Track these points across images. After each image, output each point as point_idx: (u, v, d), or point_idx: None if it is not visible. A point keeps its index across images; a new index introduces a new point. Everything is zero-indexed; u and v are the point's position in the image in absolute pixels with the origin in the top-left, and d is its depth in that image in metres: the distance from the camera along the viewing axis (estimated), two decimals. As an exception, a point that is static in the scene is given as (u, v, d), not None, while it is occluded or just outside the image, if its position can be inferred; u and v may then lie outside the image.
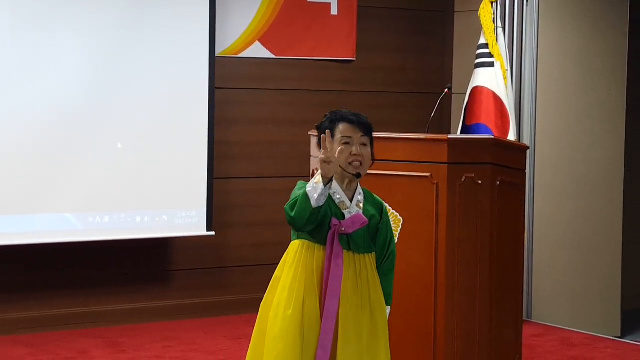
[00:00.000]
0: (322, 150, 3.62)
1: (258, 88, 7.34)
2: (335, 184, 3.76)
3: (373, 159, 3.83)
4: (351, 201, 3.79)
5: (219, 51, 7.05)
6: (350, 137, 3.75)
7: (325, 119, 3.86)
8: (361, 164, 3.75)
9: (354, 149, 3.74)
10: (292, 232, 3.85)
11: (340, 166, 3.72)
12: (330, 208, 3.74)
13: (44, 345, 6.25)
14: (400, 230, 5.05)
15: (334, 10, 7.51)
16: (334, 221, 3.74)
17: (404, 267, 5.03)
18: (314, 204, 3.63)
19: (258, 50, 7.28)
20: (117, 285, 6.89)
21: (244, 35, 7.22)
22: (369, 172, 5.05)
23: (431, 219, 4.99)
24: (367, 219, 3.79)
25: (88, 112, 6.51)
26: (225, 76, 7.14)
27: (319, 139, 3.76)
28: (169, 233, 6.85)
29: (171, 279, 7.12)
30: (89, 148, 6.52)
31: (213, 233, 6.96)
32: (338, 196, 3.77)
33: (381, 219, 3.88)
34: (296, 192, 3.73)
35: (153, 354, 6.11)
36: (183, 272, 7.15)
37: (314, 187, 3.63)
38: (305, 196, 3.63)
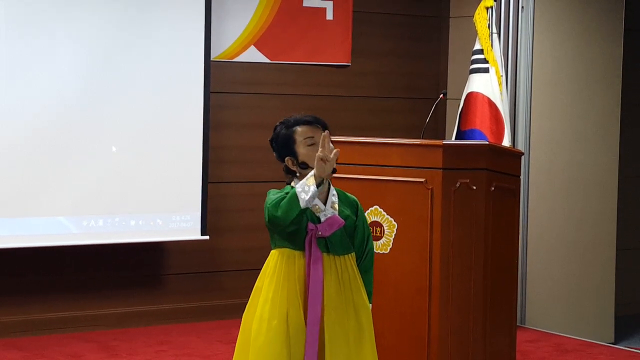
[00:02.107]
0: (320, 149, 3.59)
1: (253, 92, 7.34)
2: None
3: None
4: (325, 203, 3.76)
5: (214, 55, 7.05)
6: (312, 136, 3.73)
7: (277, 129, 3.82)
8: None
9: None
10: (271, 241, 3.82)
11: (312, 168, 3.66)
12: (306, 213, 3.71)
13: (38, 349, 6.25)
14: (395, 235, 5.05)
15: (329, 15, 7.51)
16: (310, 226, 3.72)
17: (398, 272, 5.04)
18: (302, 204, 3.59)
19: (253, 55, 7.28)
20: (111, 289, 6.89)
21: (239, 40, 7.23)
22: (364, 177, 5.08)
23: (426, 225, 4.99)
24: (343, 221, 3.77)
25: (83, 116, 6.51)
26: (220, 80, 7.14)
27: (278, 154, 3.77)
28: (163, 237, 6.84)
29: (165, 282, 7.11)
30: (84, 151, 6.51)
31: (207, 237, 6.96)
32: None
33: (357, 217, 3.86)
34: (272, 198, 3.69)
35: (146, 358, 6.10)
36: (177, 276, 7.14)
37: (305, 188, 3.60)
38: (294, 196, 3.59)
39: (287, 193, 3.67)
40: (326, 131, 3.65)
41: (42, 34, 6.38)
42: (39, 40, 6.37)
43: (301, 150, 3.74)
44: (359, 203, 3.91)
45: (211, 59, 6.96)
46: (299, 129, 3.77)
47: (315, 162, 3.59)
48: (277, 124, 3.86)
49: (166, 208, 6.78)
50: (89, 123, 6.53)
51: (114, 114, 6.60)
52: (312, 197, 3.60)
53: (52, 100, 6.42)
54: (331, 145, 3.68)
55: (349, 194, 3.92)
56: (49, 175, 6.43)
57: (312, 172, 3.62)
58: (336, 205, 3.79)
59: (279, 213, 3.62)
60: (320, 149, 3.59)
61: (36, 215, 6.40)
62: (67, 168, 6.47)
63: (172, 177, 6.78)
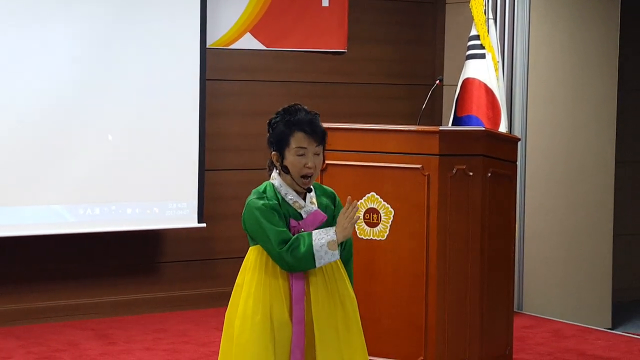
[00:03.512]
0: (348, 216, 3.64)
1: (249, 79, 7.33)
2: (285, 186, 3.75)
3: (324, 162, 3.82)
4: (304, 199, 3.77)
5: (210, 42, 7.03)
6: (305, 147, 3.70)
7: (279, 117, 3.78)
8: (311, 177, 3.73)
9: (309, 162, 3.70)
10: (249, 239, 3.80)
11: (292, 176, 3.72)
12: (288, 211, 3.71)
13: (34, 337, 6.24)
14: (392, 222, 5.05)
15: (325, 2, 7.49)
16: (293, 222, 3.71)
17: (395, 259, 5.04)
18: (317, 265, 3.65)
19: (249, 42, 7.26)
20: (107, 277, 6.88)
21: (235, 27, 7.21)
22: (360, 164, 5.07)
23: (422, 211, 4.99)
24: (325, 215, 3.77)
25: (79, 104, 6.49)
26: (217, 68, 7.13)
27: (269, 142, 3.78)
28: (159, 225, 6.83)
29: (162, 270, 7.11)
30: (80, 140, 6.50)
31: (204, 225, 6.95)
32: (291, 197, 3.74)
33: (335, 207, 3.86)
34: (261, 206, 3.67)
35: (144, 346, 6.10)
36: (174, 263, 7.14)
37: (325, 250, 3.63)
38: (312, 256, 3.62)
39: (272, 207, 3.68)
40: (355, 201, 3.67)
41: (39, 22, 6.35)
42: (33, 28, 6.34)
43: (290, 156, 3.72)
44: (336, 195, 3.91)
45: (207, 47, 6.94)
46: (296, 134, 3.72)
47: (342, 228, 3.64)
48: (282, 110, 3.80)
49: (163, 196, 6.77)
50: (84, 111, 6.51)
51: (110, 102, 6.58)
52: (329, 261, 3.66)
53: (47, 89, 6.40)
54: (312, 159, 3.71)
55: (325, 187, 3.92)
56: (45, 164, 6.41)
57: (333, 234, 3.64)
58: (314, 199, 3.79)
59: (290, 260, 3.64)
60: (348, 216, 3.64)
61: (32, 204, 6.39)
62: (63, 156, 6.46)
63: (169, 164, 6.77)
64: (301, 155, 3.70)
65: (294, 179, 3.73)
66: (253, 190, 3.77)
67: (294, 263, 3.64)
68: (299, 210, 3.74)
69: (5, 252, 6.55)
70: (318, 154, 3.74)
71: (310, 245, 3.63)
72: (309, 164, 3.70)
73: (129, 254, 6.97)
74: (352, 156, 5.13)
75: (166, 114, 6.75)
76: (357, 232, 5.10)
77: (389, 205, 5.06)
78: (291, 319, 3.67)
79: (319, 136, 3.74)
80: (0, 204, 6.32)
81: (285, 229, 3.67)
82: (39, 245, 6.61)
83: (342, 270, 3.81)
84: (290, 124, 3.74)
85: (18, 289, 6.61)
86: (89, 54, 6.51)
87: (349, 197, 3.70)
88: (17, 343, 6.11)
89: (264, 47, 7.32)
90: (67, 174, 6.47)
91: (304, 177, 3.71)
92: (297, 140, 3.71)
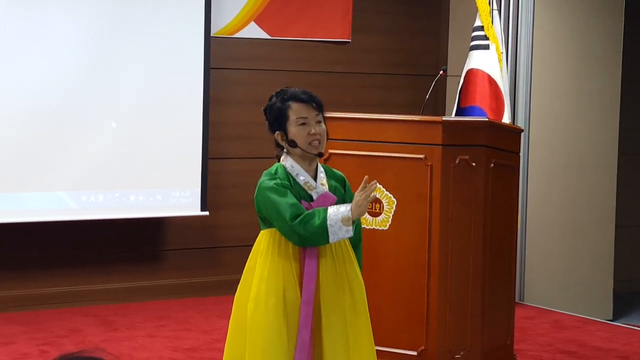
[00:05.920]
0: (365, 194, 3.62)
1: (253, 68, 7.33)
2: (297, 166, 3.76)
3: (327, 135, 3.82)
4: (315, 180, 3.78)
5: (214, 31, 7.03)
6: (305, 117, 3.74)
7: (273, 100, 3.82)
8: (320, 142, 3.75)
9: (312, 129, 3.73)
10: (261, 222, 3.80)
11: (300, 147, 3.73)
12: (299, 193, 3.73)
13: (37, 324, 6.26)
14: (394, 212, 5.05)
15: (330, -9, 7.49)
16: (304, 204, 3.72)
17: (397, 249, 5.05)
18: (330, 240, 3.65)
19: (253, 31, 7.27)
20: (110, 264, 6.90)
21: (239, 16, 7.21)
22: (363, 153, 5.07)
23: (425, 201, 5.00)
24: (335, 197, 3.78)
25: (83, 91, 6.50)
26: (221, 56, 7.13)
27: (270, 126, 3.78)
28: (163, 212, 6.85)
29: (165, 258, 7.12)
30: (84, 127, 6.51)
31: (207, 213, 6.96)
32: (302, 177, 3.76)
33: (345, 190, 3.88)
34: (272, 185, 3.68)
35: (146, 333, 6.12)
36: (177, 251, 7.15)
37: (339, 226, 3.63)
38: (325, 230, 3.62)
39: (284, 186, 3.68)
40: (375, 182, 3.66)
41: (43, 8, 6.36)
42: (38, 16, 6.35)
43: (292, 129, 3.75)
44: (346, 179, 3.93)
45: (211, 35, 6.95)
46: (293, 106, 3.76)
47: (357, 206, 3.63)
48: (274, 93, 3.86)
49: (166, 184, 6.79)
50: (89, 99, 6.52)
51: (114, 90, 6.59)
52: (343, 237, 3.66)
53: (52, 76, 6.41)
54: (315, 127, 3.73)
55: (335, 170, 3.94)
56: (49, 150, 6.42)
57: (348, 211, 3.63)
58: (325, 181, 3.81)
59: (303, 233, 3.63)
60: (365, 194, 3.62)
61: (36, 191, 6.41)
62: (68, 143, 6.47)
63: (172, 152, 6.78)
64: (303, 124, 3.73)
65: (304, 150, 3.73)
66: (264, 172, 3.78)
67: (307, 236, 3.63)
68: (309, 192, 3.75)
69: (8, 238, 6.56)
70: (320, 122, 3.76)
71: (325, 220, 3.62)
72: (313, 131, 3.72)
73: (132, 242, 6.98)
74: (355, 146, 5.13)
75: (170, 102, 6.76)
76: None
77: (391, 195, 5.06)
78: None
79: (317, 103, 3.78)
80: (4, 190, 6.34)
81: (298, 202, 3.67)
82: (42, 232, 6.62)
83: (352, 254, 3.83)
84: (285, 99, 3.79)
85: (21, 275, 6.63)
86: (93, 43, 6.52)
87: (366, 176, 3.70)
88: (19, 329, 6.13)
89: (268, 36, 7.32)
90: (71, 161, 6.48)
91: (311, 144, 3.73)
92: (296, 111, 3.75)
